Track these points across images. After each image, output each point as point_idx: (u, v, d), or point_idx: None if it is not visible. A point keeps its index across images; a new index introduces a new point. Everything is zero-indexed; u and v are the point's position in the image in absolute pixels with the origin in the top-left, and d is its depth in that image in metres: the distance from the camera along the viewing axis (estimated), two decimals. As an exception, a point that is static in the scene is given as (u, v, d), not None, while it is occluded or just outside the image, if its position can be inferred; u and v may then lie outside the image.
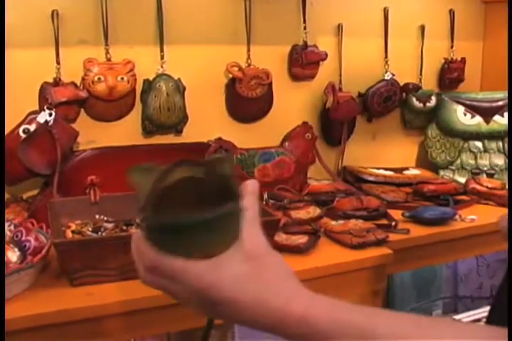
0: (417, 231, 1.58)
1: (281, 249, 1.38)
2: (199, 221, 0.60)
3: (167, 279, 0.64)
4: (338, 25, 1.97)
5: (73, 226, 1.41)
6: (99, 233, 1.37)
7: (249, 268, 0.64)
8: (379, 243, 1.46)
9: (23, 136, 1.52)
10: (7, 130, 1.53)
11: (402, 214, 1.64)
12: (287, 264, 0.67)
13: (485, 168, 2.08)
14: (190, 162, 0.66)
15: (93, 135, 1.69)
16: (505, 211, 1.72)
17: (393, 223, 1.58)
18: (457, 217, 1.68)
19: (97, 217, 1.46)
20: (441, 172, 2.11)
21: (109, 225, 1.40)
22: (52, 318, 1.13)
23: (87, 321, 1.16)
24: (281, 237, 1.41)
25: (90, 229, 1.40)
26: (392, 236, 1.51)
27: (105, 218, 1.45)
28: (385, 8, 2.04)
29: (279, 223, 1.36)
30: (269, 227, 1.29)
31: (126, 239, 1.18)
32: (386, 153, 2.16)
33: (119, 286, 1.23)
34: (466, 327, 0.66)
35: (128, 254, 1.18)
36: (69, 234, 1.37)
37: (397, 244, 1.50)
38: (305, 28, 1.88)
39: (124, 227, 1.40)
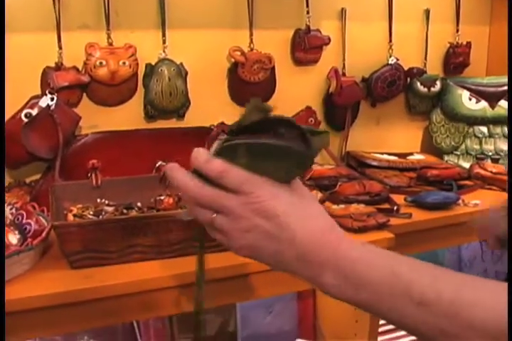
0: (420, 215, 1.57)
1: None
2: (275, 145, 0.71)
3: (229, 189, 0.71)
4: (342, 9, 1.95)
5: (75, 210, 1.41)
6: (100, 217, 1.38)
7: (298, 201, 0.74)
8: (380, 227, 1.45)
9: (25, 120, 1.53)
10: (9, 114, 1.53)
11: (405, 199, 1.63)
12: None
13: (490, 153, 2.07)
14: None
15: (95, 119, 1.69)
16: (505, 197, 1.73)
17: (395, 207, 1.58)
18: (460, 201, 1.67)
19: (98, 200, 1.46)
20: (446, 158, 2.10)
21: (110, 209, 1.40)
22: (51, 300, 1.13)
23: (86, 303, 1.16)
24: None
25: (91, 212, 1.40)
26: (394, 221, 1.50)
27: (106, 202, 1.46)
28: (389, -8, 2.02)
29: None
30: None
31: (126, 222, 1.22)
32: (390, 138, 2.15)
33: (118, 269, 1.23)
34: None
35: (126, 238, 1.21)
36: (70, 218, 1.37)
37: (399, 228, 1.49)
38: (308, 12, 1.87)
39: (125, 211, 1.40)
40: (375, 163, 1.89)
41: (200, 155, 0.73)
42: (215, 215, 0.73)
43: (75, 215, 1.40)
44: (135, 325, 1.73)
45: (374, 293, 0.69)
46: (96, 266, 1.23)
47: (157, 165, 1.52)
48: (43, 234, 1.24)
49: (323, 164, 1.88)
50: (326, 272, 0.71)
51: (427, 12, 2.11)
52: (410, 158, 2.00)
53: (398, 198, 1.66)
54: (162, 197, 1.41)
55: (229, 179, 0.71)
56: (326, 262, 0.71)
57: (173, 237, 1.25)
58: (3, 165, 1.53)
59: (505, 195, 1.78)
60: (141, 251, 1.25)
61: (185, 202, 0.76)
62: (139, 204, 1.46)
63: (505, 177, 1.84)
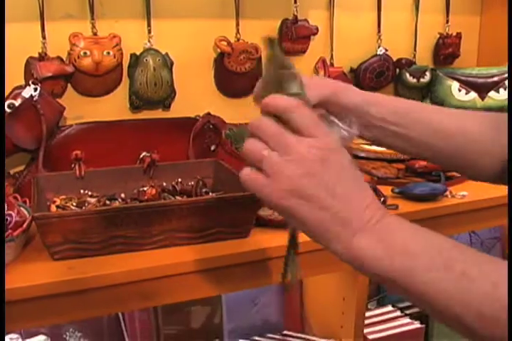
0: (407, 207, 1.56)
1: (266, 223, 1.37)
2: None
3: (294, 129, 0.67)
4: (330, -1, 1.94)
5: (58, 201, 1.40)
6: (83, 208, 1.37)
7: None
8: (366, 218, 1.44)
9: (8, 111, 1.51)
10: (-9, 105, 1.52)
11: (392, 190, 1.62)
12: None
13: (479, 144, 2.06)
14: None
15: (80, 110, 1.67)
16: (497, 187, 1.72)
17: (382, 199, 1.57)
18: (448, 193, 1.66)
19: (81, 191, 1.45)
20: (436, 149, 2.09)
21: (93, 200, 1.39)
22: (33, 292, 1.13)
23: (69, 294, 1.15)
24: (266, 212, 1.40)
25: (74, 204, 1.39)
26: (382, 212, 1.49)
27: (89, 193, 1.45)
28: (378, -19, 2.01)
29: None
30: (252, 202, 1.29)
31: (107, 213, 1.21)
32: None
33: (101, 260, 1.22)
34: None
35: (108, 229, 1.20)
36: (53, 209, 1.37)
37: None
38: (296, 2, 1.85)
39: (108, 202, 1.39)
40: (362, 154, 1.88)
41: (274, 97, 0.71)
42: (268, 151, 0.67)
43: (57, 206, 1.39)
44: (120, 316, 1.72)
45: (411, 262, 0.66)
46: (78, 257, 1.22)
47: (141, 156, 1.51)
48: (24, 225, 1.23)
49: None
50: (363, 235, 0.67)
51: (417, 2, 2.10)
52: (399, 149, 1.99)
53: (386, 189, 1.64)
54: (145, 188, 1.40)
55: (299, 116, 0.68)
56: (366, 226, 0.67)
57: (155, 229, 1.24)
58: (3, 164, 1.52)
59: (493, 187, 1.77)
60: (123, 242, 1.24)
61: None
62: (122, 195, 1.45)
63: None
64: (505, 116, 0.97)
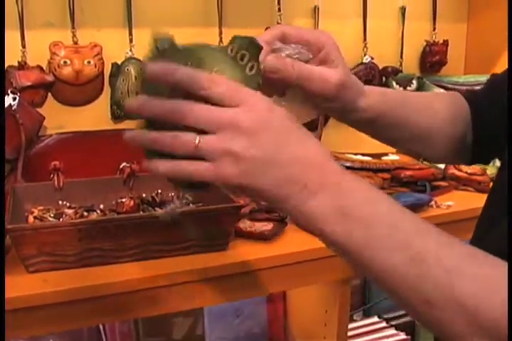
0: (390, 218, 1.55)
1: (246, 235, 1.36)
2: None
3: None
4: (314, 7, 1.92)
5: (36, 212, 1.38)
6: (61, 219, 1.35)
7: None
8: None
9: (-14, 120, 1.50)
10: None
11: (376, 201, 1.61)
12: None
13: (466, 153, 2.05)
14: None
15: (61, 120, 1.66)
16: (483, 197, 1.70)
17: (365, 209, 1.55)
18: (433, 203, 1.65)
19: (60, 202, 1.43)
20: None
21: (70, 211, 1.37)
22: (7, 305, 1.11)
23: (44, 307, 1.14)
24: (245, 224, 1.38)
25: (52, 215, 1.37)
26: (364, 223, 1.48)
27: (67, 204, 1.43)
28: (364, -11, 2.00)
29: (240, 209, 1.33)
30: (230, 214, 1.27)
31: (82, 226, 1.19)
32: (365, 139, 2.11)
33: (76, 273, 1.20)
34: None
35: (84, 241, 1.18)
36: (31, 220, 1.35)
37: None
38: (279, 10, 1.84)
39: (85, 213, 1.37)
40: (348, 164, 1.86)
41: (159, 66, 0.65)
42: (198, 137, 0.62)
43: (35, 217, 1.37)
44: (101, 327, 1.71)
45: (369, 237, 0.62)
46: (53, 269, 1.20)
47: (121, 166, 1.49)
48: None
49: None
50: (321, 195, 0.63)
51: (403, 9, 2.09)
52: (385, 158, 1.97)
53: (371, 200, 1.63)
54: (123, 200, 1.38)
55: (219, 89, 0.63)
56: (325, 186, 0.63)
57: (131, 241, 1.23)
58: (3, 165, 1.50)
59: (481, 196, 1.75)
60: (99, 255, 1.22)
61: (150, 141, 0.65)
62: (101, 206, 1.43)
63: (480, 178, 1.82)
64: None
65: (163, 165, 0.65)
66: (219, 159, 0.62)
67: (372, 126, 0.93)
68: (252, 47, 0.69)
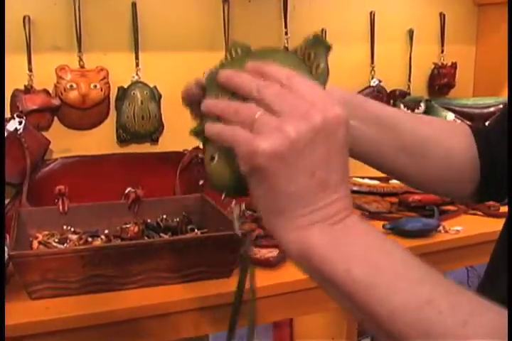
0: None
1: (251, 262, 1.34)
2: None
3: None
4: (322, 29, 1.92)
5: (40, 237, 1.38)
6: (65, 244, 1.34)
7: None
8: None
9: (-8, 144, 1.50)
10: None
11: (383, 226, 1.59)
12: None
13: (476, 177, 2.03)
14: None
15: (67, 143, 1.66)
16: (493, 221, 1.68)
17: (372, 235, 1.53)
18: (441, 228, 1.62)
19: (64, 227, 1.43)
20: (431, 181, 2.06)
21: (74, 237, 1.36)
22: (9, 332, 1.10)
23: (46, 335, 1.13)
24: (250, 251, 1.36)
25: (57, 240, 1.36)
26: (371, 249, 1.46)
27: (72, 229, 1.42)
28: (371, 12, 2.00)
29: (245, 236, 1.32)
30: (236, 241, 1.25)
31: (85, 252, 1.18)
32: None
33: (79, 300, 1.19)
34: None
35: (87, 268, 1.17)
36: (35, 245, 1.34)
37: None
38: (287, 34, 1.84)
39: (89, 239, 1.36)
40: (355, 188, 1.85)
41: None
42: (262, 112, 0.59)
43: (40, 242, 1.36)
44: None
45: (372, 275, 0.57)
46: (56, 296, 1.19)
47: (126, 191, 1.48)
48: (1, 264, 1.20)
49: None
50: (319, 229, 0.59)
51: (411, 32, 2.09)
52: (392, 182, 1.95)
53: (377, 225, 1.61)
54: (128, 226, 1.37)
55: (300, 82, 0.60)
56: (327, 220, 0.59)
57: (135, 268, 1.21)
58: (3, 167, 1.50)
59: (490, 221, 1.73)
60: (102, 281, 1.21)
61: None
62: (106, 231, 1.42)
63: (490, 202, 1.79)
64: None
65: (212, 127, 0.63)
66: (266, 131, 0.57)
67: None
68: (318, 45, 0.68)
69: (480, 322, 0.54)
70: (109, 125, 1.70)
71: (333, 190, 0.60)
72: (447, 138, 0.90)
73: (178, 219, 1.44)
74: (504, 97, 2.06)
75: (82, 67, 1.62)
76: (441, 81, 2.14)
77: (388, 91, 2.04)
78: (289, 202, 0.59)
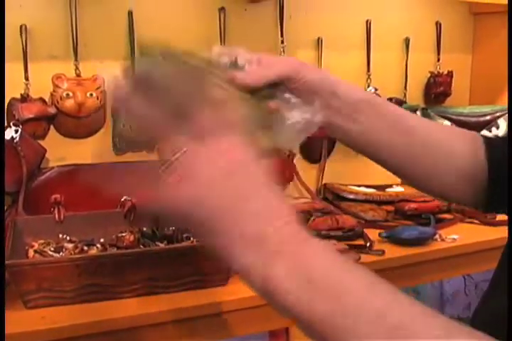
0: (393, 252, 1.53)
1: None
2: None
3: None
4: (318, 38, 1.93)
5: (36, 246, 1.37)
6: (61, 253, 1.34)
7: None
8: (349, 265, 1.41)
9: (-13, 152, 1.50)
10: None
11: (379, 235, 1.59)
12: None
13: (472, 185, 2.03)
14: None
15: (63, 152, 1.65)
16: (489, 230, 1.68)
17: (368, 244, 1.53)
18: (437, 236, 1.62)
19: (60, 236, 1.42)
20: (427, 190, 2.06)
21: (70, 245, 1.36)
22: (4, 342, 1.10)
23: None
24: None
25: (52, 248, 1.36)
26: (367, 258, 1.46)
27: (68, 238, 1.41)
28: (367, 21, 2.00)
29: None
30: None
31: (80, 261, 1.18)
32: (370, 170, 2.10)
33: (75, 309, 1.19)
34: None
35: (83, 276, 1.17)
36: (31, 254, 1.34)
37: (370, 265, 1.43)
38: (283, 42, 1.84)
39: (85, 248, 1.36)
40: (351, 196, 1.85)
41: None
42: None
43: (35, 251, 1.35)
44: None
45: (333, 304, 0.55)
46: (51, 305, 1.19)
47: (122, 200, 1.48)
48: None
49: (298, 198, 1.84)
50: (279, 262, 0.58)
51: (407, 41, 2.10)
52: (389, 190, 1.95)
53: (374, 233, 1.61)
54: (124, 234, 1.36)
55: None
56: (283, 251, 0.58)
57: (130, 277, 1.21)
58: (3, 169, 1.50)
59: (485, 229, 1.74)
60: (98, 290, 1.21)
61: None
62: (102, 240, 1.42)
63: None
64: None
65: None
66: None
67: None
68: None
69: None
70: (106, 133, 1.69)
71: (274, 216, 0.60)
72: (456, 141, 0.91)
73: (173, 228, 1.44)
74: (501, 105, 2.07)
75: (78, 75, 1.62)
76: (437, 89, 2.14)
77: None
78: (230, 244, 0.59)
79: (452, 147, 0.90)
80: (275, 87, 0.83)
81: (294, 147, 1.66)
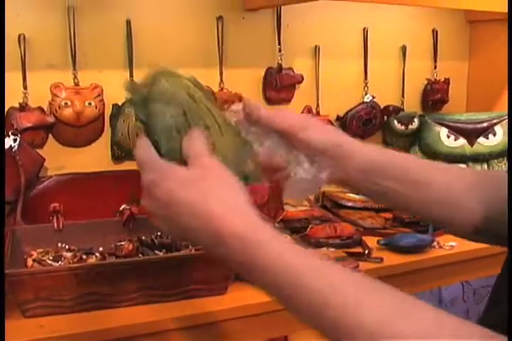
0: (392, 259, 1.53)
1: (245, 279, 1.34)
2: None
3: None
4: (315, 46, 1.94)
5: (35, 255, 1.37)
6: (59, 262, 1.34)
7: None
8: (348, 273, 1.41)
9: (-14, 162, 1.50)
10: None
11: (378, 242, 1.59)
12: None
13: (470, 192, 2.03)
14: None
15: (62, 161, 1.66)
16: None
17: (366, 251, 1.53)
18: (435, 243, 1.62)
19: (59, 245, 1.42)
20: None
21: (69, 254, 1.36)
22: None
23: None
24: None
25: (51, 257, 1.36)
26: (365, 265, 1.46)
27: (67, 246, 1.41)
28: (364, 29, 2.01)
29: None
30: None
31: (79, 270, 1.18)
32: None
33: (73, 318, 1.19)
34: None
35: (81, 285, 1.17)
36: (30, 263, 1.34)
37: (369, 273, 1.44)
38: (280, 50, 1.85)
39: (84, 256, 1.36)
40: (350, 204, 1.85)
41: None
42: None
43: (34, 260, 1.35)
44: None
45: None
46: (50, 314, 1.19)
47: (121, 208, 1.48)
48: (-7, 283, 1.20)
49: (297, 206, 1.84)
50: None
51: (404, 48, 2.11)
52: (387, 197, 1.95)
53: (372, 240, 1.61)
54: (123, 243, 1.37)
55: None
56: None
57: (129, 286, 1.21)
58: (3, 170, 1.50)
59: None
60: (96, 299, 1.20)
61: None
62: (101, 248, 1.42)
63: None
64: (493, 173, 0.92)
65: None
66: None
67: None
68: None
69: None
70: (104, 142, 1.70)
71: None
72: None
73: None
74: (497, 112, 2.07)
75: (76, 84, 1.63)
76: (434, 96, 2.15)
77: (382, 107, 2.05)
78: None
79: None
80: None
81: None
